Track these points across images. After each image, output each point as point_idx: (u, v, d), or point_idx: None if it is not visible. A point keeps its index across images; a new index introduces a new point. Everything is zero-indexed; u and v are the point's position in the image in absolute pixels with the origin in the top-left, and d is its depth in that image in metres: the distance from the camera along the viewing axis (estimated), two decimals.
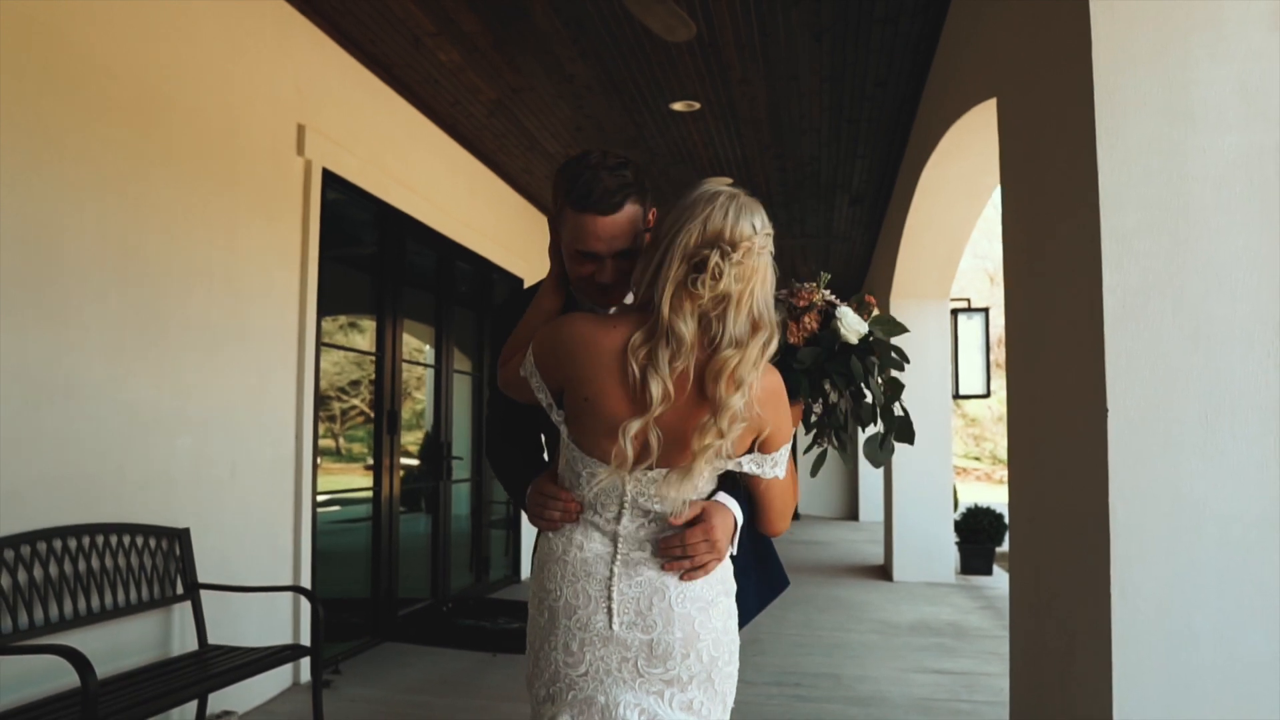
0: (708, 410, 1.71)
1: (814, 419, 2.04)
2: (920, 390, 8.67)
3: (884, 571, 9.76)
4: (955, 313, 10.06)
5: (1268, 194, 2.49)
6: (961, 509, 10.11)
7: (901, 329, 2.01)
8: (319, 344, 5.26)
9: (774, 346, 1.75)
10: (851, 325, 1.95)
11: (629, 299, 1.96)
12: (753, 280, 1.71)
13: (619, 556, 1.83)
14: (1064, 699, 2.90)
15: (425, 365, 7.01)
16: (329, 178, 5.37)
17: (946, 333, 9.43)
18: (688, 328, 1.68)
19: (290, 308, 5.03)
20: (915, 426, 2.04)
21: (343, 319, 5.83)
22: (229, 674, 3.71)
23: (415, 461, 6.86)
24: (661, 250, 1.72)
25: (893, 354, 1.99)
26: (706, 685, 1.82)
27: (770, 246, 1.76)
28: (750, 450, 1.82)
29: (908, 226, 7.66)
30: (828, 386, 1.97)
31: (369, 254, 6.25)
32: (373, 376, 6.14)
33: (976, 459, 34.26)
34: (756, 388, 1.74)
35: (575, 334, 1.80)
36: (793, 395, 1.95)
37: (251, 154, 4.72)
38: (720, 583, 1.87)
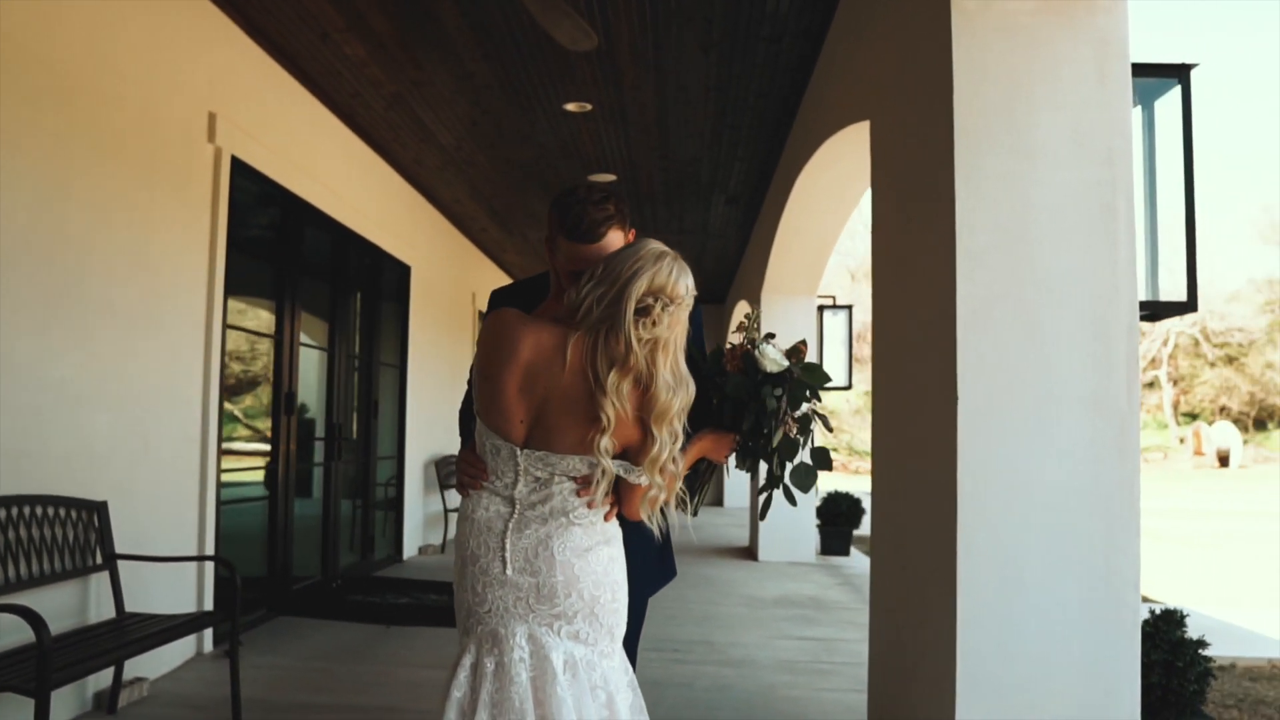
0: (584, 413, 2.11)
1: (740, 449, 2.43)
2: None
3: (750, 552, 10.32)
4: (821, 309, 10.70)
5: (1092, 222, 3.01)
6: (822, 495, 10.75)
7: (826, 378, 2.41)
8: (225, 327, 5.42)
9: (693, 394, 2.18)
10: (770, 355, 2.36)
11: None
12: (676, 329, 2.16)
13: (515, 516, 2.22)
14: (916, 645, 3.39)
15: (318, 348, 7.17)
16: (237, 165, 5.53)
17: (813, 328, 10.04)
18: (641, 361, 2.10)
19: (199, 291, 5.18)
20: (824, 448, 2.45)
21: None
22: (150, 639, 3.90)
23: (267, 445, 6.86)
24: (616, 290, 2.11)
25: (805, 393, 2.38)
26: (591, 618, 2.22)
27: (692, 304, 2.19)
28: (620, 457, 2.20)
29: (781, 228, 8.17)
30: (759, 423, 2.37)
31: (270, 239, 6.40)
32: (235, 360, 6.30)
33: (834, 450, 35.53)
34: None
35: (500, 326, 2.21)
36: (720, 423, 2.38)
37: (167, 141, 4.86)
38: (600, 534, 2.26)
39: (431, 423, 9.99)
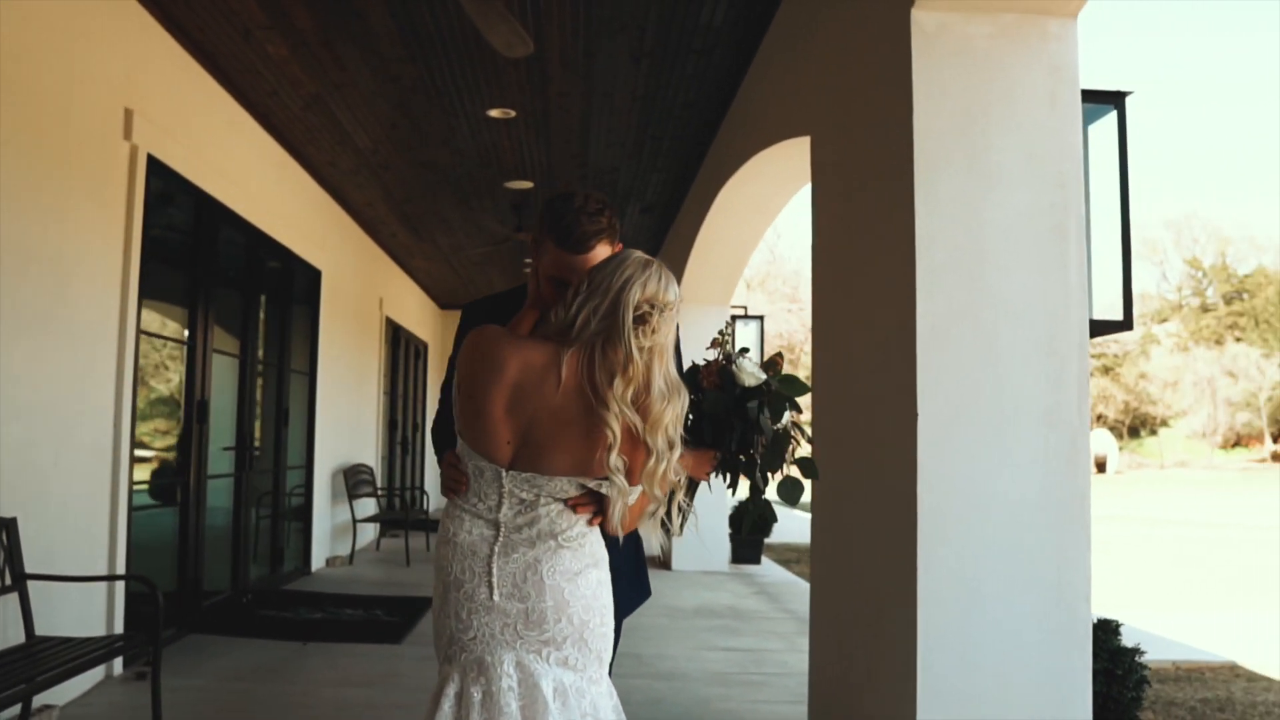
0: (579, 433, 2.06)
1: (723, 464, 2.39)
2: None
3: (663, 562, 10.32)
4: (734, 318, 10.79)
5: (1044, 242, 3.08)
6: (733, 503, 10.83)
7: (805, 388, 2.39)
8: (139, 332, 5.19)
9: (686, 401, 2.15)
10: (748, 370, 2.34)
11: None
12: (669, 336, 2.12)
13: (500, 539, 2.15)
14: (869, 658, 3.42)
15: (230, 355, 6.91)
16: (154, 164, 5.30)
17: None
18: (640, 371, 2.05)
19: (112, 295, 4.94)
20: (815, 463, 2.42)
21: None
22: (67, 667, 3.66)
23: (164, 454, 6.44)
24: (610, 301, 2.07)
25: (785, 404, 2.36)
26: (580, 644, 2.15)
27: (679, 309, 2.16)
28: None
29: (700, 238, 8.20)
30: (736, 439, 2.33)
31: (184, 242, 6.15)
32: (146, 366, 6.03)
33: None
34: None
35: (485, 345, 2.14)
36: (700, 441, 2.34)
37: (82, 138, 4.63)
38: (589, 556, 2.20)
39: (340, 431, 9.75)
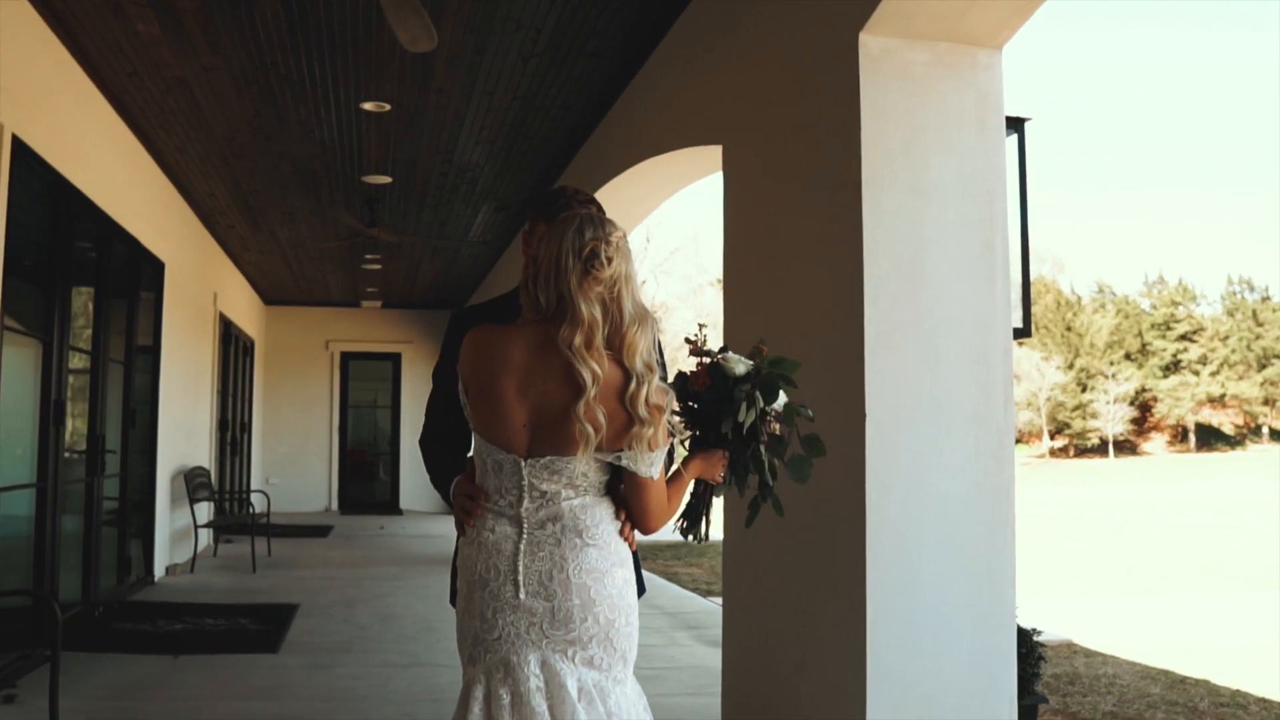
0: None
1: (731, 461, 2.41)
2: None
3: None
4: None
5: (974, 255, 3.33)
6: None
7: (795, 365, 2.44)
8: (4, 329, 4.83)
9: (656, 332, 2.21)
10: (734, 359, 2.39)
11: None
12: (628, 264, 2.19)
13: (524, 536, 2.17)
14: (801, 648, 3.59)
15: (84, 351, 6.49)
16: (18, 146, 4.93)
17: None
18: (594, 311, 2.10)
19: None
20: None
21: None
22: None
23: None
24: (553, 260, 2.13)
25: (780, 383, 2.40)
26: (605, 644, 2.19)
27: (625, 235, 2.24)
28: (629, 447, 2.18)
29: None
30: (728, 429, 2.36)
31: (41, 230, 5.73)
32: None
33: None
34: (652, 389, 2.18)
35: (489, 337, 2.20)
36: (706, 442, 2.39)
37: None
38: (615, 555, 2.25)
39: (178, 432, 9.27)
